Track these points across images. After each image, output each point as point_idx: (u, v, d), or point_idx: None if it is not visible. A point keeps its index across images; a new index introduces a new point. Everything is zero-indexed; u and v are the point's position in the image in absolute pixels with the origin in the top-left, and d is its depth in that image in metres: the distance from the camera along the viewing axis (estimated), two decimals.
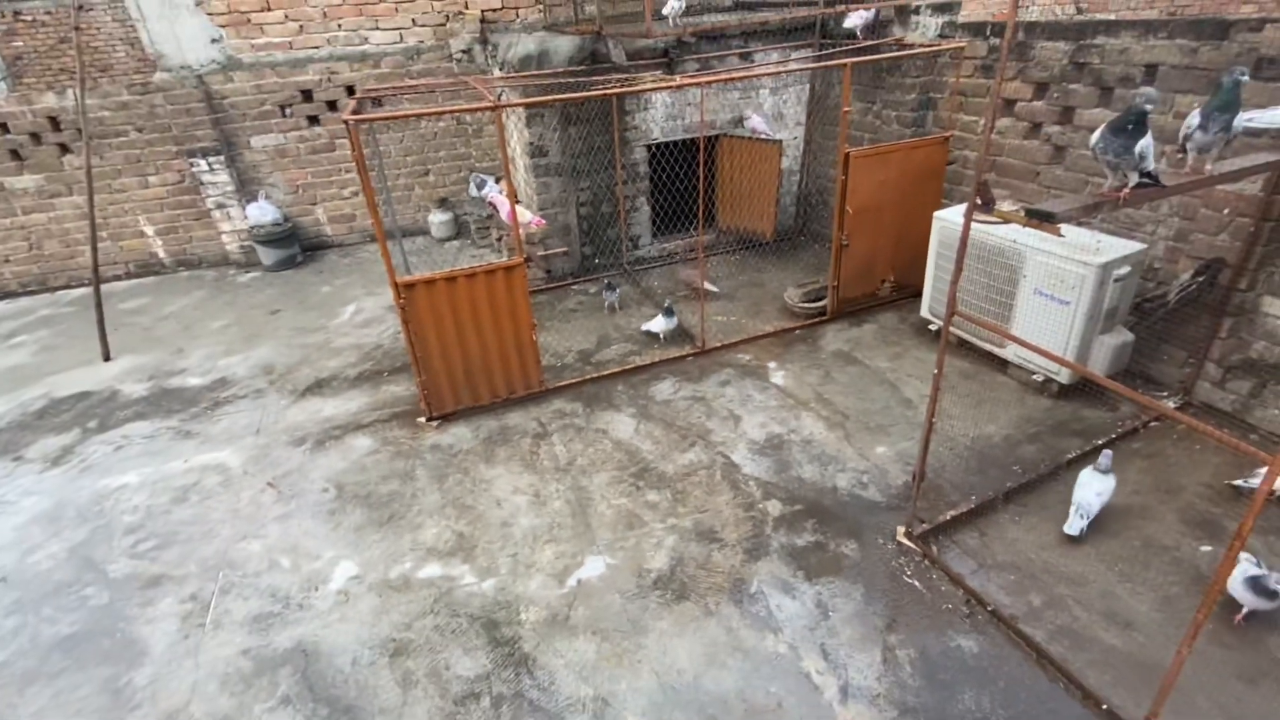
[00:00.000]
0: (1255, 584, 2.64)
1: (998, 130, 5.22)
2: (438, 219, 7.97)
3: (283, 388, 5.22)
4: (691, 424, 4.44)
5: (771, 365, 5.03)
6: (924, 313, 5.18)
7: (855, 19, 5.66)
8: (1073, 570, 3.12)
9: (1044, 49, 4.71)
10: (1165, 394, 4.23)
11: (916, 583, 3.14)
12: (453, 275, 4.31)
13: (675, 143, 6.54)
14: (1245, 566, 2.72)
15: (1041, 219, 2.18)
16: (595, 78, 5.64)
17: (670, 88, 5.07)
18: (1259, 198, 3.51)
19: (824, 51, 6.22)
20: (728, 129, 6.55)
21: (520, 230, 4.53)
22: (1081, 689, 2.58)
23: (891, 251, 5.52)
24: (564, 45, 5.87)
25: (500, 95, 4.80)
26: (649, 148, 6.51)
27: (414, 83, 7.20)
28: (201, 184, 7.17)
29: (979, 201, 2.43)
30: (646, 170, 6.61)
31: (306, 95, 7.21)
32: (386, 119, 4.03)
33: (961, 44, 5.13)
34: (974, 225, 4.47)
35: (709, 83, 4.68)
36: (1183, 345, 4.11)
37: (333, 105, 7.31)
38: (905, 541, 3.33)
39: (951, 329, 4.90)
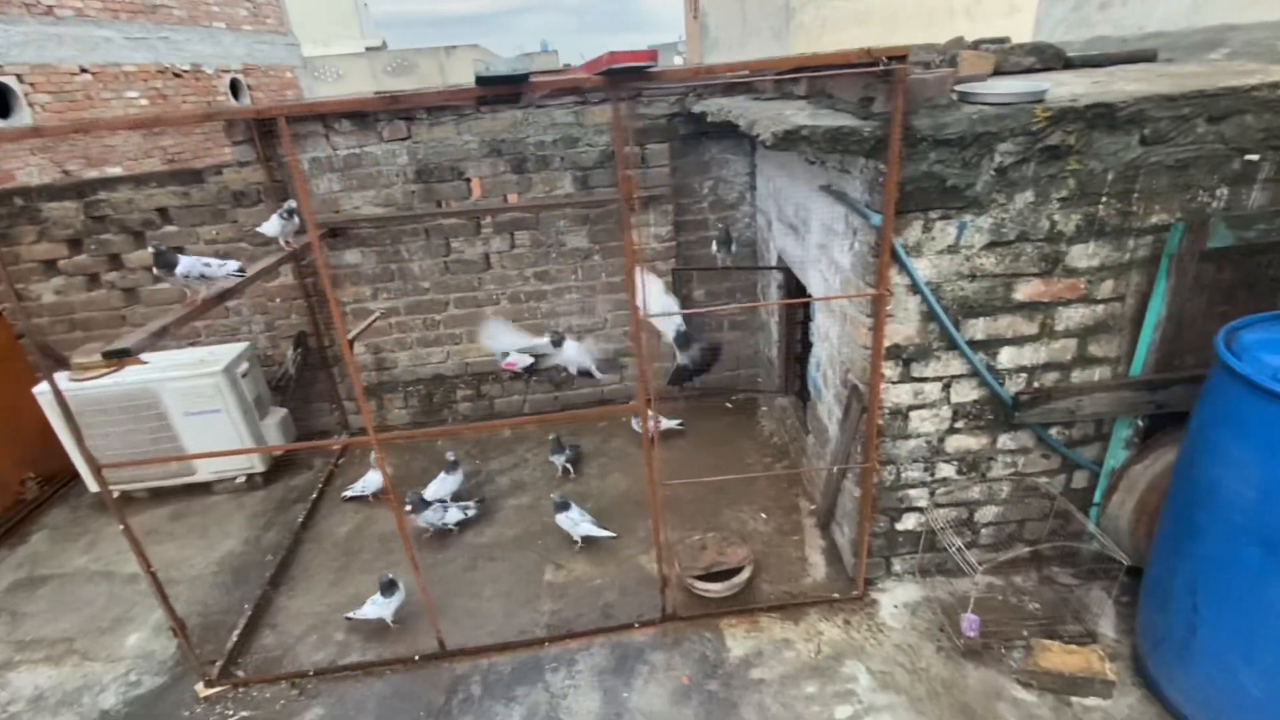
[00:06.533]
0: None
1: (57, 289, 4.99)
2: None
3: None
4: None
5: None
6: (94, 488, 4.63)
7: None
8: (346, 596, 3.71)
9: (54, 209, 4.72)
10: (337, 435, 5.35)
11: (245, 712, 3.09)
12: None
13: None
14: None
15: (120, 355, 2.42)
16: None
17: None
18: (293, 285, 4.78)
19: None
20: None
21: None
22: (397, 662, 3.24)
23: (11, 448, 4.60)
24: None
25: None
26: None
27: None
28: None
29: (54, 363, 2.44)
30: None
31: None
32: None
33: None
34: (84, 381, 4.26)
35: None
36: (323, 398, 5.25)
37: None
38: (210, 691, 3.18)
39: (137, 485, 4.65)
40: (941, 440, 3.12)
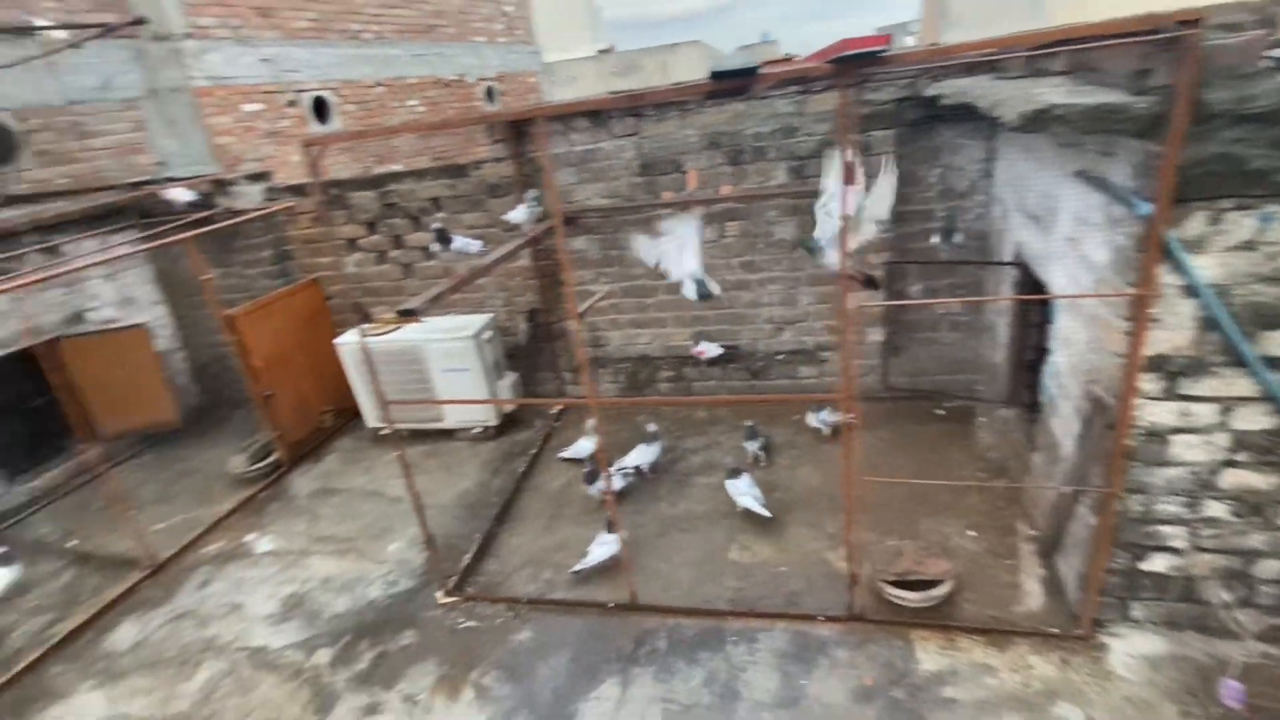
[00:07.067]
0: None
1: (356, 263, 6.22)
2: None
3: None
4: (185, 645, 3.80)
5: (251, 538, 4.69)
6: (372, 424, 5.74)
7: (181, 194, 5.74)
8: (555, 541, 4.19)
9: (359, 197, 5.88)
10: (542, 401, 5.98)
11: (472, 622, 3.66)
12: None
13: None
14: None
15: (406, 315, 3.00)
16: None
17: None
18: (529, 266, 5.43)
19: (153, 232, 6.03)
20: (63, 329, 5.62)
21: None
22: (594, 605, 3.59)
23: (317, 386, 5.86)
24: None
25: None
26: None
27: None
28: None
29: (360, 318, 3.10)
30: None
31: None
32: None
33: (290, 204, 5.89)
34: (373, 337, 5.28)
35: (23, 287, 4.03)
36: (545, 367, 5.89)
37: None
38: (447, 599, 3.81)
39: (403, 425, 5.65)
40: (1213, 473, 2.65)
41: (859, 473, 2.95)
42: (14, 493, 5.43)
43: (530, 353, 5.76)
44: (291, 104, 10.06)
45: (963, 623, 3.18)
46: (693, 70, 24.28)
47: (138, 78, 8.04)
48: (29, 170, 7.07)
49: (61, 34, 6.51)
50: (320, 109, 10.57)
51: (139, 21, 6.42)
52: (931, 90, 4.17)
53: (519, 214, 4.38)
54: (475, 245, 3.83)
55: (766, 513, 3.93)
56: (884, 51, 2.19)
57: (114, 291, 6.11)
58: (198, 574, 4.39)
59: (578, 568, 3.78)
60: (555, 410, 5.76)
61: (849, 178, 2.51)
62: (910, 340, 5.09)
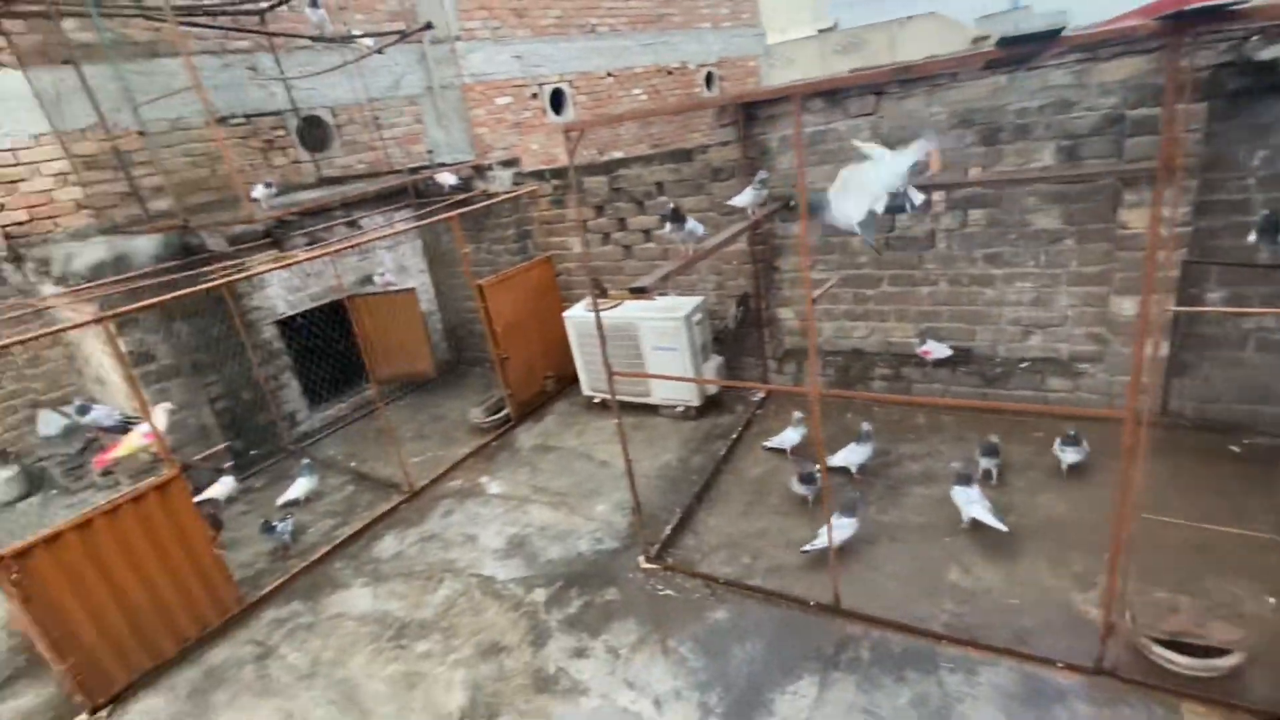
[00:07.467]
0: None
1: (584, 243, 6.68)
2: None
3: None
4: (431, 563, 4.44)
5: (484, 480, 5.34)
6: (586, 391, 6.17)
7: (448, 178, 6.64)
8: (753, 528, 4.17)
9: (591, 182, 6.30)
10: (756, 385, 5.93)
11: (670, 591, 3.80)
12: (86, 519, 3.62)
13: (308, 312, 6.52)
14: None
15: (638, 292, 3.15)
16: (197, 270, 5.37)
17: (293, 264, 5.18)
18: (745, 250, 5.40)
19: (424, 210, 7.05)
20: (356, 289, 6.82)
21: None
22: (793, 600, 3.52)
23: (543, 353, 6.45)
24: (146, 245, 5.45)
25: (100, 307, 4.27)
26: (279, 323, 6.34)
27: None
28: None
29: (597, 292, 3.32)
30: (283, 346, 6.39)
31: None
32: None
33: (534, 187, 6.49)
34: (601, 312, 5.64)
35: (336, 252, 4.96)
36: (750, 353, 5.86)
37: None
38: (648, 565, 3.99)
39: (619, 396, 6.00)
40: None
41: (1134, 508, 2.51)
42: (315, 417, 6.76)
43: (737, 338, 5.76)
44: (534, 96, 11.07)
45: (1259, 705, 2.59)
46: (926, 45, 22.16)
47: (419, 77, 9.39)
48: (338, 157, 8.64)
49: (368, 41, 7.81)
50: (557, 100, 11.51)
51: (428, 27, 7.43)
52: (1266, 54, 3.35)
53: (745, 197, 4.36)
54: (701, 228, 3.89)
55: (1001, 525, 3.53)
56: (1241, 3, 1.79)
57: (393, 260, 7.26)
58: (443, 504, 5.10)
59: (807, 548, 3.73)
60: (758, 397, 5.72)
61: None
62: (1202, 358, 4.20)
